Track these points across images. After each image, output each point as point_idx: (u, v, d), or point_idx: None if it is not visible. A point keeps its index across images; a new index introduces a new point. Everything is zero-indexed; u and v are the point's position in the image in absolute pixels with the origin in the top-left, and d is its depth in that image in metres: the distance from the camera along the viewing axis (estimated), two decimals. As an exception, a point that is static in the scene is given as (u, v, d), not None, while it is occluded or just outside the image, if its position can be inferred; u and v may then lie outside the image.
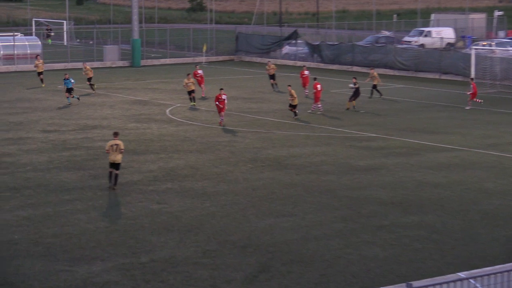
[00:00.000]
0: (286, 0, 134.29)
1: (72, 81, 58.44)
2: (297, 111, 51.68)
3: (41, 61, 71.21)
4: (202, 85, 62.15)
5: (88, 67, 65.69)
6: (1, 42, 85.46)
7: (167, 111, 54.48)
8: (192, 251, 27.37)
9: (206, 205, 32.23)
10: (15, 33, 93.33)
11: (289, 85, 52.56)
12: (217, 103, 50.07)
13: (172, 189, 34.97)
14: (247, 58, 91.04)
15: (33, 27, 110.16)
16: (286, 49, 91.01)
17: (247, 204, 32.99)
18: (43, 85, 68.03)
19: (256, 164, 39.84)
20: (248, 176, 37.59)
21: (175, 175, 37.56)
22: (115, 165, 33.96)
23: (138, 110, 53.97)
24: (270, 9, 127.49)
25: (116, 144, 33.73)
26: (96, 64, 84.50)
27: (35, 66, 70.47)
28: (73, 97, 58.70)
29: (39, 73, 69.12)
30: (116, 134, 34.58)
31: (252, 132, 48.18)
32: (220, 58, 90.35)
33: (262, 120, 51.96)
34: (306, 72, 61.38)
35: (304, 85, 61.14)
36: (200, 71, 63.58)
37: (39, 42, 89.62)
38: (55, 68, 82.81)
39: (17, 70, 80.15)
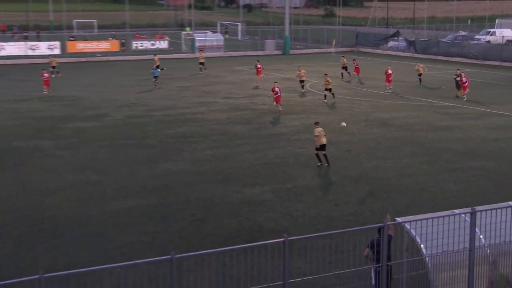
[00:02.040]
0: (391, 9, 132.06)
1: (159, 70, 54.77)
2: (327, 94, 46.81)
3: (203, 55, 67.09)
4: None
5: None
6: (197, 37, 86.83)
7: (307, 85, 54.42)
8: (322, 181, 27.58)
9: (332, 150, 32.29)
10: (206, 31, 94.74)
11: (326, 74, 48.55)
12: (271, 93, 42.91)
13: (310, 138, 35.13)
14: (363, 49, 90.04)
15: (218, 27, 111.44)
16: (391, 43, 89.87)
17: (361, 150, 32.91)
18: (201, 72, 64.06)
19: (368, 123, 39.60)
20: (361, 131, 37.43)
21: (311, 129, 37.68)
22: (323, 147, 29.39)
23: (287, 84, 54.11)
24: (380, 15, 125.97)
25: (322, 130, 29.44)
26: (260, 52, 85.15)
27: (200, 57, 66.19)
28: (155, 84, 53.89)
29: (201, 63, 64.65)
30: (317, 123, 30.27)
31: (365, 101, 47.78)
32: (344, 49, 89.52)
33: (372, 93, 51.41)
34: (389, 71, 51.87)
35: (387, 80, 52.22)
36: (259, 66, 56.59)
37: (222, 37, 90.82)
38: (232, 55, 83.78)
39: (207, 56, 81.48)
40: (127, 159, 31.05)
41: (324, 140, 29.31)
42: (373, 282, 15.14)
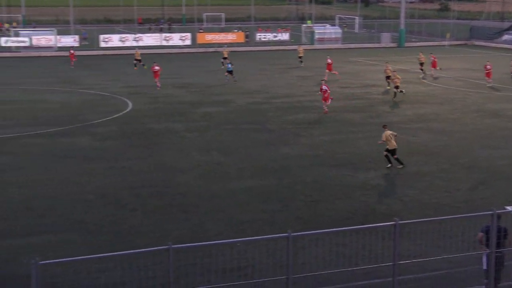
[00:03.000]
0: (507, 3, 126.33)
1: (232, 65, 51.45)
2: (396, 91, 42.77)
3: (301, 48, 64.32)
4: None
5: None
6: (316, 30, 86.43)
7: (420, 76, 53.09)
8: (434, 169, 26.84)
9: (444, 139, 31.38)
10: (325, 24, 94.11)
11: (395, 71, 45.47)
12: (320, 93, 39.17)
13: (421, 127, 34.32)
14: (477, 43, 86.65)
15: (336, 21, 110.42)
16: (505, 37, 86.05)
17: (473, 139, 31.82)
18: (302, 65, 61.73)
19: (479, 114, 38.20)
20: (474, 121, 36.17)
21: (423, 118, 36.77)
22: (392, 151, 26.35)
23: (401, 75, 52.89)
24: (495, 9, 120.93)
25: (391, 133, 26.44)
26: (376, 45, 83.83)
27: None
28: (227, 77, 50.99)
29: (300, 57, 61.81)
30: (385, 126, 27.22)
31: (476, 92, 46.08)
32: (457, 42, 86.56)
33: (484, 84, 49.43)
34: (488, 66, 48.42)
35: (487, 75, 48.46)
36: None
37: (340, 30, 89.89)
38: (349, 47, 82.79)
39: (325, 48, 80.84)
40: (248, 142, 31.39)
41: (394, 144, 26.20)
42: (484, 267, 14.59)
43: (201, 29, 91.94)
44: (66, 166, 27.15)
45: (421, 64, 54.65)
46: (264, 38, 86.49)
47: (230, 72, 50.65)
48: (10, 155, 28.89)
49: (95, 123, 35.78)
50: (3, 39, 76.61)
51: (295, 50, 75.00)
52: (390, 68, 47.12)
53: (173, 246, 13.42)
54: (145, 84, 49.88)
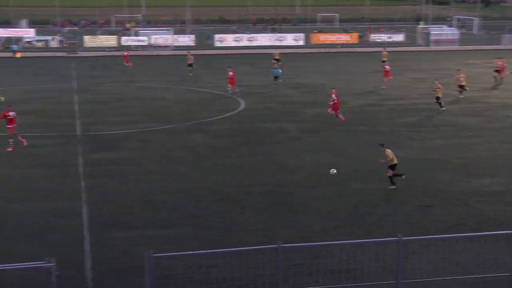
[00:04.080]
0: None
1: (280, 71, 49.83)
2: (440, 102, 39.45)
3: (385, 53, 60.44)
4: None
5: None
6: (432, 31, 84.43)
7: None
8: (554, 177, 25.58)
9: None
10: (441, 25, 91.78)
11: (437, 79, 41.69)
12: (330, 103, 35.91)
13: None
14: None
15: (454, 21, 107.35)
16: None
17: None
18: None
19: None
20: None
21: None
22: (394, 166, 24.00)
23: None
24: None
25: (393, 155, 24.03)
26: (496, 47, 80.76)
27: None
28: (276, 84, 49.09)
29: (383, 61, 57.74)
30: (383, 145, 24.58)
31: None
32: None
33: None
34: None
35: None
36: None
37: (457, 32, 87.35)
38: (467, 49, 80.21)
39: (443, 50, 78.61)
40: (360, 144, 31.09)
41: (395, 160, 24.09)
42: None
43: (315, 30, 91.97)
44: (180, 162, 27.92)
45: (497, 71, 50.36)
46: (379, 39, 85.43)
47: (276, 77, 48.77)
48: (129, 150, 30.02)
49: (209, 121, 36.56)
50: (124, 38, 79.64)
51: (410, 51, 73.67)
52: (463, 75, 43.58)
53: (282, 245, 13.55)
54: (258, 84, 50.43)
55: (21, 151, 29.55)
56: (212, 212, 21.67)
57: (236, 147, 30.80)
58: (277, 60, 57.38)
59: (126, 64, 59.83)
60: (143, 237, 19.39)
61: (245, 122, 36.15)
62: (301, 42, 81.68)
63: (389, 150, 24.30)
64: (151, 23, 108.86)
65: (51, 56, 71.48)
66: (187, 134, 33.28)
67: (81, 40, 77.27)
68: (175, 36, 79.89)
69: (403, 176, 24.35)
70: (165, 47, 77.55)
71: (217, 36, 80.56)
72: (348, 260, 15.35)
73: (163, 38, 78.86)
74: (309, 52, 76.38)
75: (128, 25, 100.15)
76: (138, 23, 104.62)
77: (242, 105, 41.49)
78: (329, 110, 35.89)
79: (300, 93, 46.82)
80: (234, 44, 79.68)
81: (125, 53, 62.01)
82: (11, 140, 29.80)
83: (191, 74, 55.36)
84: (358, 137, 32.64)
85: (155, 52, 75.38)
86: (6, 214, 21.30)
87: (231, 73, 45.24)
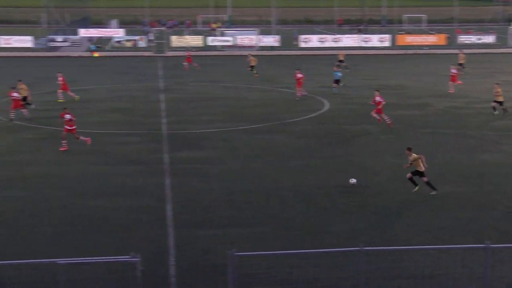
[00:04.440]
0: None
1: (339, 74, 46.99)
2: (503, 108, 37.51)
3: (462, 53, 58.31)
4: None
5: None
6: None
7: None
8: None
9: None
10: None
11: (497, 83, 38.59)
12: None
13: None
14: None
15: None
16: None
17: None
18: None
19: None
20: None
21: None
22: (422, 173, 23.26)
23: None
24: None
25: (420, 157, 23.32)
26: None
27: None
28: (339, 85, 46.87)
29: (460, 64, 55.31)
30: (411, 149, 23.82)
31: None
32: None
33: None
34: None
35: None
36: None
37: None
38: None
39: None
40: (446, 147, 30.43)
41: (422, 167, 23.24)
42: None
43: (401, 31, 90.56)
44: (263, 162, 28.06)
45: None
46: (468, 40, 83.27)
47: (337, 81, 46.30)
48: (212, 149, 30.39)
49: (292, 121, 36.58)
50: (210, 38, 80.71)
51: (501, 53, 71.56)
52: (499, 90, 38.54)
53: (364, 248, 13.40)
54: (339, 85, 50.08)
55: (107, 149, 30.39)
56: (294, 212, 21.67)
57: (319, 148, 30.71)
58: (341, 61, 56.89)
59: (192, 64, 58.78)
60: (226, 236, 19.58)
61: (329, 123, 35.99)
62: (386, 44, 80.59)
63: (415, 155, 23.27)
64: (237, 23, 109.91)
65: (139, 56, 73.21)
66: (270, 134, 33.41)
67: (168, 40, 78.80)
68: (260, 36, 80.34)
69: (417, 188, 23.33)
70: (250, 47, 78.11)
71: (301, 37, 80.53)
72: (433, 266, 15.04)
73: (248, 38, 79.46)
74: (395, 54, 75.30)
75: (214, 25, 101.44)
76: (223, 24, 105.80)
77: (326, 106, 41.32)
78: (373, 113, 34.91)
79: (383, 94, 46.05)
80: (318, 44, 79.43)
81: (189, 54, 61.36)
82: (64, 141, 29.81)
83: (257, 75, 54.67)
84: (445, 140, 31.93)
85: (239, 52, 76.05)
86: (93, 210, 21.95)
87: (299, 75, 43.77)
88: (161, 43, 77.49)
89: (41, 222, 20.76)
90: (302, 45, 79.28)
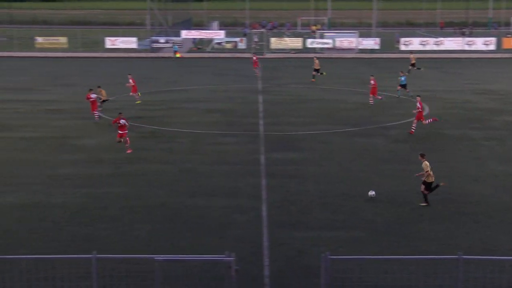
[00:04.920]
0: None
1: (403, 78, 44.36)
2: None
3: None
4: None
5: None
6: None
7: None
8: None
9: None
10: None
11: None
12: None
13: None
14: None
15: None
16: None
17: None
18: None
19: None
20: None
21: None
22: (429, 185, 22.13)
23: None
24: None
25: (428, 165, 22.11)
26: None
27: None
28: (407, 91, 44.36)
29: None
30: (423, 156, 22.74)
31: None
32: None
33: None
34: None
35: None
36: None
37: None
38: None
39: None
40: (553, 156, 29.14)
41: (432, 178, 22.07)
42: None
43: (508, 34, 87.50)
44: (359, 165, 27.78)
45: None
46: None
47: (403, 85, 44.28)
48: (309, 151, 30.35)
49: (389, 125, 36.04)
50: (309, 40, 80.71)
51: None
52: None
53: (462, 256, 13.03)
54: (443, 89, 48.92)
55: (205, 149, 30.89)
56: (390, 217, 21.33)
57: (417, 152, 30.01)
58: (413, 65, 55.36)
59: (256, 70, 57.03)
60: (320, 238, 19.51)
61: (428, 128, 35.18)
62: (492, 47, 78.09)
63: (427, 163, 22.19)
64: (336, 26, 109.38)
65: (239, 57, 74.09)
66: (367, 138, 33.04)
67: (268, 41, 79.36)
68: (360, 39, 79.64)
69: (441, 184, 22.41)
70: (349, 50, 77.55)
71: (402, 40, 79.25)
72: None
73: (348, 41, 78.91)
74: (501, 58, 72.84)
75: (313, 28, 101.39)
76: (323, 26, 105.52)
77: (426, 110, 40.44)
78: (414, 120, 33.85)
79: (487, 99, 44.78)
80: (420, 47, 77.90)
81: (255, 58, 58.61)
82: (127, 145, 29.93)
83: (313, 80, 53.60)
84: (551, 148, 30.60)
85: (338, 55, 75.63)
86: (190, 208, 22.37)
87: (372, 81, 42.23)
88: (261, 45, 78.07)
89: (140, 218, 21.36)
90: (403, 48, 77.99)
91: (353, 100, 44.58)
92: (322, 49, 78.35)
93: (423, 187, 22.27)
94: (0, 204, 22.62)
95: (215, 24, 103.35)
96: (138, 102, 42.46)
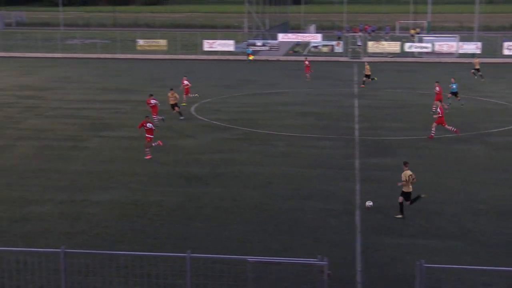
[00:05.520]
0: None
1: (455, 86, 41.66)
2: None
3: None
4: None
5: None
6: None
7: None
8: None
9: None
10: None
11: None
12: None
13: None
14: None
15: None
16: None
17: None
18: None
19: None
20: None
21: None
22: (408, 195, 21.73)
23: None
24: None
25: (411, 175, 21.60)
26: None
27: None
28: (458, 99, 42.30)
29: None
30: (407, 164, 22.12)
31: None
32: None
33: None
34: None
35: None
36: None
37: None
38: None
39: None
40: None
41: (411, 188, 21.53)
42: None
43: None
44: (457, 173, 27.07)
45: None
46: None
47: (454, 93, 42.19)
48: (405, 157, 29.69)
49: (491, 132, 34.93)
50: (407, 44, 79.31)
51: None
52: None
53: None
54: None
55: (300, 151, 30.89)
56: (491, 227, 20.67)
57: (520, 161, 29.00)
58: (477, 70, 52.94)
59: (307, 75, 56.19)
60: (414, 246, 19.14)
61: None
62: None
63: (408, 172, 21.52)
64: (436, 29, 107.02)
65: (335, 61, 73.73)
66: (466, 144, 32.15)
67: (365, 45, 78.59)
68: (460, 43, 77.57)
69: (423, 196, 21.98)
70: (449, 54, 75.68)
71: (505, 44, 76.61)
72: None
73: (448, 45, 77.04)
74: None
75: (412, 31, 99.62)
76: (422, 30, 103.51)
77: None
78: (434, 124, 33.36)
79: None
80: (525, 52, 75.13)
81: (307, 62, 57.14)
82: (148, 149, 29.83)
83: (363, 86, 51.80)
84: None
85: (437, 59, 73.96)
86: (283, 211, 22.43)
87: (438, 88, 39.76)
88: (358, 49, 77.42)
89: (234, 219, 21.60)
90: (506, 52, 75.40)
91: (452, 106, 43.45)
92: (420, 53, 76.82)
93: (401, 198, 21.64)
94: (101, 201, 23.43)
95: (312, 27, 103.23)
96: (184, 104, 42.40)
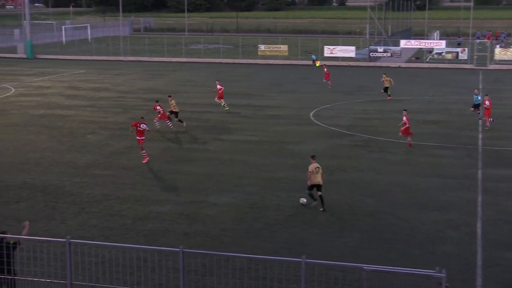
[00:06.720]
0: None
1: (479, 98, 38.90)
2: None
3: None
4: None
5: None
6: None
7: None
8: None
9: None
10: None
11: None
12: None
13: None
14: None
15: None
16: None
17: None
18: None
19: None
20: None
21: None
22: (318, 187, 22.88)
23: None
24: None
25: (317, 167, 22.76)
26: None
27: None
28: (478, 112, 39.63)
29: None
30: (313, 157, 23.31)
31: None
32: None
33: None
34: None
35: None
36: None
37: None
38: None
39: None
40: None
41: (319, 179, 22.78)
42: None
43: None
44: None
45: None
46: None
47: (476, 106, 39.80)
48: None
49: None
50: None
51: None
52: None
53: None
54: None
55: (419, 160, 30.22)
56: None
57: None
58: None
59: (328, 82, 55.24)
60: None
61: None
62: None
63: (314, 165, 22.86)
64: None
65: (459, 68, 71.59)
66: None
67: (492, 53, 75.83)
68: None
69: (314, 203, 22.97)
70: None
71: None
72: None
73: None
74: None
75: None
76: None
77: None
78: (400, 134, 32.97)
79: None
80: None
81: (326, 69, 56.43)
82: (144, 151, 29.70)
83: (390, 97, 48.62)
84: None
85: None
86: (401, 220, 22.03)
87: (487, 102, 37.25)
88: (484, 56, 74.84)
89: (349, 226, 21.44)
90: None
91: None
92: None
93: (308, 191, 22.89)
94: (218, 203, 23.92)
95: (436, 33, 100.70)
96: (227, 108, 43.34)
